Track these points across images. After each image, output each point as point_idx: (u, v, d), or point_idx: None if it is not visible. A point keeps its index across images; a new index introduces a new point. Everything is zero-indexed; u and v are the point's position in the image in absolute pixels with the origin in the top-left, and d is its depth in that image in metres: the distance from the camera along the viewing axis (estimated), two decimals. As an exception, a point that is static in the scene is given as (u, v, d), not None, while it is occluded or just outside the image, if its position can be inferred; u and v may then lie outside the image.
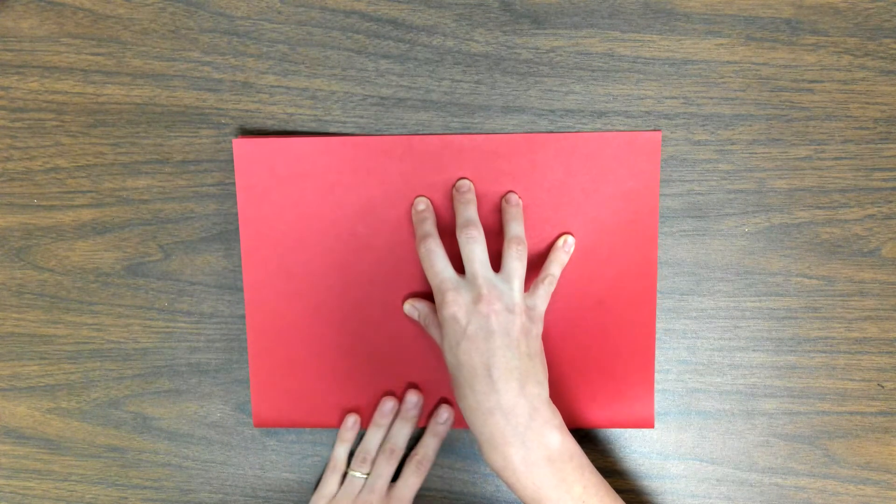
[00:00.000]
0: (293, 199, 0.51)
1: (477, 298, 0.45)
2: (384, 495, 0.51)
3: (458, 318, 0.45)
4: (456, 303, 0.45)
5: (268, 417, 0.54)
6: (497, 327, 0.44)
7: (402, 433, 0.52)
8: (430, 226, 0.49)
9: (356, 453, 0.52)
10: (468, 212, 0.49)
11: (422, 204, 0.50)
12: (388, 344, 0.53)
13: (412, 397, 0.52)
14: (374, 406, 0.53)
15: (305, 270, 0.52)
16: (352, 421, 0.53)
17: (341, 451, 0.53)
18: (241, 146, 0.51)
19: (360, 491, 0.51)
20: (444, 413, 0.52)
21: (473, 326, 0.44)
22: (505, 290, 0.46)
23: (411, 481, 0.52)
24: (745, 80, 0.49)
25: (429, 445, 0.52)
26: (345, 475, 0.53)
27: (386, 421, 0.53)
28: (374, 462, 0.52)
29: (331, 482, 0.52)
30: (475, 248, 0.47)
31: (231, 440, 0.55)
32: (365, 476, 0.52)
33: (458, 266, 0.48)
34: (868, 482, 0.53)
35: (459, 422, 0.53)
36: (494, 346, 0.44)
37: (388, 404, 0.52)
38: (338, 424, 0.54)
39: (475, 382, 0.44)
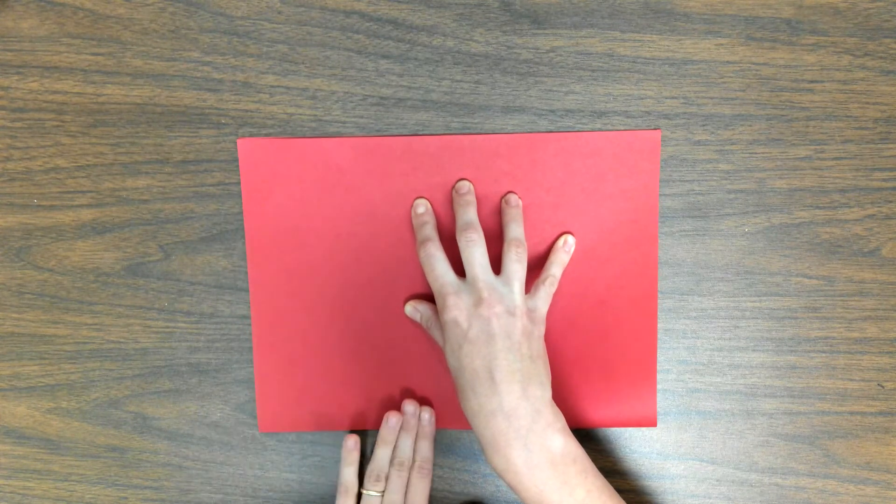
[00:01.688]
0: (296, 198, 0.51)
1: (478, 302, 0.45)
2: None
3: (460, 322, 0.45)
4: (457, 307, 0.45)
5: (273, 422, 0.54)
6: (498, 330, 0.44)
7: (408, 444, 0.52)
8: (429, 229, 0.49)
9: (368, 472, 0.52)
10: (468, 214, 0.49)
11: (421, 207, 0.50)
12: (390, 345, 0.53)
13: (409, 407, 0.52)
14: (376, 408, 0.53)
15: (307, 270, 0.52)
16: (352, 442, 0.53)
17: (349, 474, 0.52)
18: (245, 145, 0.51)
19: None
20: (426, 414, 0.53)
21: (475, 330, 0.45)
22: (505, 292, 0.46)
23: (420, 487, 0.51)
24: (745, 80, 0.49)
25: (423, 448, 0.52)
26: (359, 496, 0.52)
27: (393, 436, 0.52)
28: (387, 478, 0.52)
29: None
30: (475, 252, 0.47)
31: (231, 440, 0.55)
32: (380, 493, 0.51)
33: (459, 268, 0.48)
34: (868, 482, 0.53)
35: (460, 422, 0.53)
36: (496, 349, 0.44)
37: (392, 419, 0.52)
38: (340, 427, 0.54)
39: (477, 385, 0.44)
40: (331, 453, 0.54)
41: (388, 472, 0.52)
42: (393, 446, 0.52)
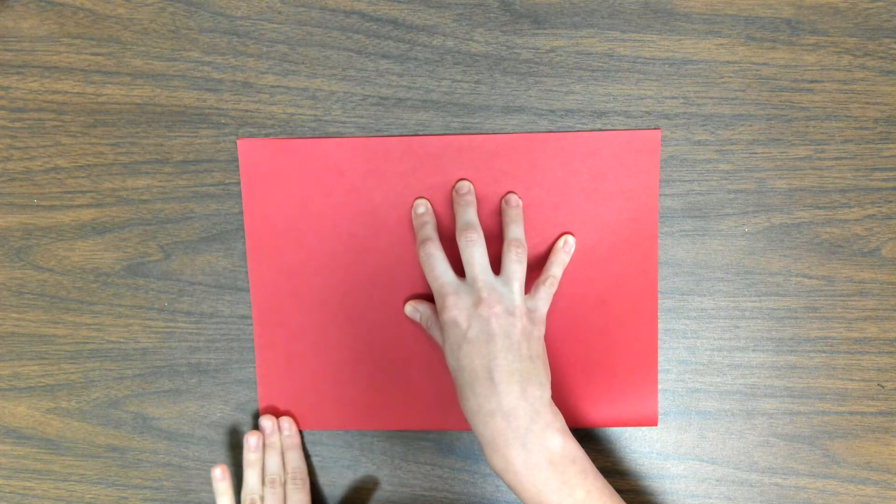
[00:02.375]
0: (296, 199, 0.51)
1: (477, 302, 0.45)
2: None
3: (459, 322, 0.45)
4: (456, 307, 0.45)
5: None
6: (498, 330, 0.44)
7: (274, 461, 0.52)
8: (429, 229, 0.49)
9: (242, 498, 0.52)
10: (468, 214, 0.49)
11: (421, 207, 0.50)
12: (390, 345, 0.53)
13: (266, 423, 0.53)
14: (376, 408, 0.53)
15: (308, 270, 0.52)
16: (219, 472, 0.52)
17: (225, 502, 0.52)
18: (245, 146, 0.51)
19: None
20: (285, 424, 0.53)
21: (474, 330, 0.45)
22: (505, 292, 0.46)
23: (297, 498, 0.52)
24: (745, 80, 0.49)
25: (293, 459, 0.53)
26: None
27: (256, 456, 0.52)
28: (262, 499, 0.52)
29: None
30: (475, 252, 0.47)
31: (231, 440, 0.55)
32: None
33: (459, 269, 0.48)
34: (868, 482, 0.53)
35: (460, 423, 0.53)
36: (495, 349, 0.44)
37: (252, 440, 0.52)
38: (340, 426, 0.54)
39: (476, 385, 0.44)
40: (331, 453, 0.54)
41: (262, 492, 0.52)
42: (260, 466, 0.52)
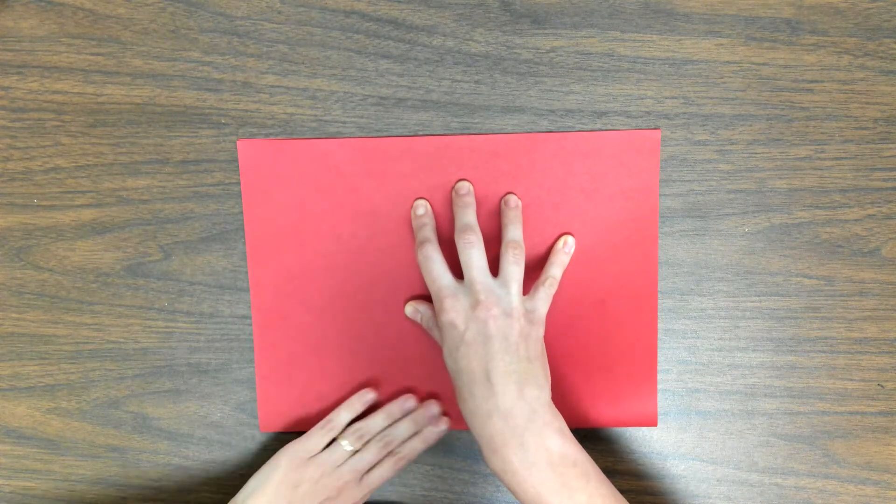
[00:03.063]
0: (296, 199, 0.51)
1: (475, 304, 0.45)
2: (359, 477, 0.51)
3: (457, 325, 0.45)
4: (454, 309, 0.45)
5: (273, 421, 0.54)
6: (495, 332, 0.44)
7: (406, 431, 0.52)
8: (428, 231, 0.49)
9: (355, 426, 0.52)
10: (467, 216, 0.49)
11: (421, 208, 0.50)
12: (390, 345, 0.53)
13: (434, 409, 0.52)
14: (376, 408, 0.53)
15: (308, 270, 0.52)
16: (369, 397, 0.52)
17: (344, 417, 0.52)
18: (245, 147, 0.51)
19: (342, 464, 0.51)
20: (442, 425, 0.52)
21: (472, 332, 0.45)
22: (502, 294, 0.46)
23: (385, 474, 0.51)
24: (745, 80, 0.49)
25: (413, 448, 0.52)
26: (333, 441, 0.52)
27: (399, 413, 0.52)
28: (367, 443, 0.51)
29: (318, 441, 0.51)
30: (473, 254, 0.47)
31: (231, 440, 0.55)
32: (351, 451, 0.51)
33: (457, 270, 0.48)
34: (868, 482, 0.53)
35: (460, 423, 0.53)
36: (493, 350, 0.44)
37: (410, 402, 0.52)
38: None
39: (474, 387, 0.44)
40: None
41: (370, 439, 0.52)
42: (391, 421, 0.52)
